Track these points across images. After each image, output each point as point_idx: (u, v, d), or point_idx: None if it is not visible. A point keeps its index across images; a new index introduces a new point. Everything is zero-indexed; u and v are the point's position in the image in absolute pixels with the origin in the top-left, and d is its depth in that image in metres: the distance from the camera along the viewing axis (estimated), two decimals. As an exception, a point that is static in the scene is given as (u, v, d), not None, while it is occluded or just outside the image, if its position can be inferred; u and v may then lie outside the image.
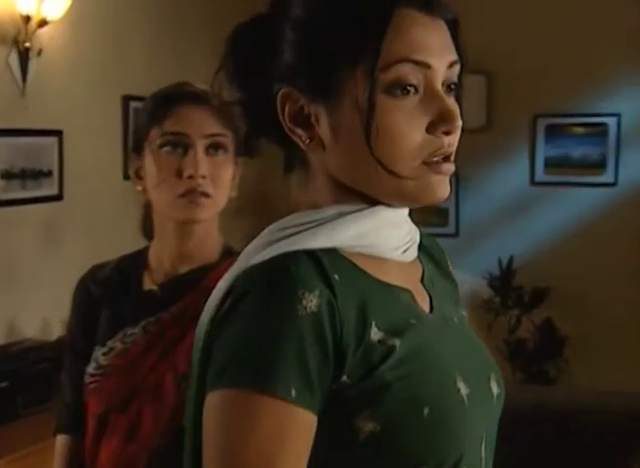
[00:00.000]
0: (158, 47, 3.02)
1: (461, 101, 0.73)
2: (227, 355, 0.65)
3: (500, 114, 3.26)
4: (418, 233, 0.79)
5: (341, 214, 0.72)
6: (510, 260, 3.20)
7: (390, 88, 0.68)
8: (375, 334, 0.67)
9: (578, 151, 3.21)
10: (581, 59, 3.14)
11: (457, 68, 0.72)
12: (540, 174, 3.27)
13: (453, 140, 0.70)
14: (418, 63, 0.68)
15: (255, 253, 0.70)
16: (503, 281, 3.20)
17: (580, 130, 3.20)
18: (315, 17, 0.71)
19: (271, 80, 0.73)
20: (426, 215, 3.05)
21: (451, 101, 0.70)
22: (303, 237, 0.70)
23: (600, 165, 3.19)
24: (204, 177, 1.11)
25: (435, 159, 0.69)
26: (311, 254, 0.68)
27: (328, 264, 0.68)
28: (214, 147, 1.12)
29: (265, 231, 0.73)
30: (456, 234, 3.32)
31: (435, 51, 0.70)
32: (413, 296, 0.75)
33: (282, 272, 0.66)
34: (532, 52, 3.16)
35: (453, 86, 0.72)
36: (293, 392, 0.63)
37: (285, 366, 0.63)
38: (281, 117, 0.72)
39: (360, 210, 0.72)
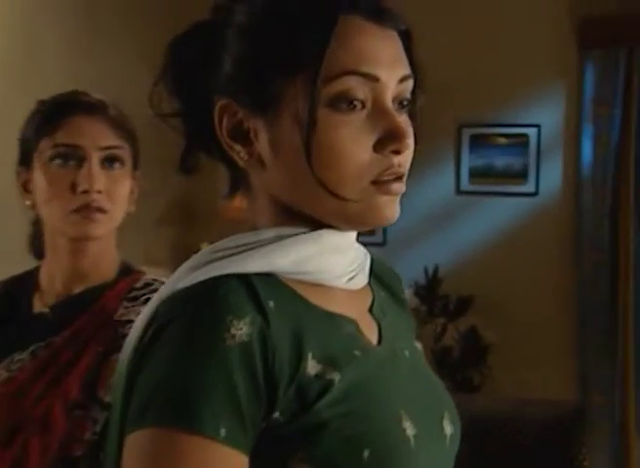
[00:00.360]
0: (74, 49, 2.89)
1: (417, 119, 0.69)
2: (150, 391, 0.59)
3: (425, 124, 3.28)
4: (368, 258, 0.74)
5: (281, 238, 0.67)
6: (436, 269, 3.22)
7: (334, 102, 0.64)
8: (311, 367, 0.62)
9: (501, 161, 3.27)
10: (504, 71, 3.20)
11: (409, 83, 0.67)
12: (465, 183, 3.31)
13: (403, 160, 0.66)
14: (365, 76, 0.64)
15: (183, 277, 0.65)
16: (429, 290, 3.21)
17: (503, 140, 3.26)
18: (256, 23, 0.67)
19: (211, 92, 0.68)
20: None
21: (402, 118, 0.66)
22: (237, 260, 0.65)
23: (522, 175, 3.25)
24: (100, 192, 1.05)
25: (384, 179, 0.65)
26: (244, 279, 0.63)
27: (262, 290, 0.63)
28: (110, 160, 1.07)
29: (198, 253, 0.68)
30: (383, 243, 3.32)
31: (384, 63, 0.65)
32: (358, 327, 0.70)
33: (208, 297, 0.61)
34: (455, 63, 3.20)
35: (405, 102, 0.67)
36: (222, 431, 0.57)
37: (213, 401, 0.58)
38: (218, 131, 0.68)
39: (301, 233, 0.67)
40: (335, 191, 0.64)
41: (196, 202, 3.32)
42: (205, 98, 0.69)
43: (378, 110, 0.65)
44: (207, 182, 3.52)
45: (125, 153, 1.09)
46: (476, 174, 3.28)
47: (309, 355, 0.62)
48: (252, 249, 0.66)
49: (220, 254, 0.66)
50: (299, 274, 0.67)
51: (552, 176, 3.23)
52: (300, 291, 0.67)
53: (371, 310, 0.73)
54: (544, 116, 3.21)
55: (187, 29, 0.71)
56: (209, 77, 0.69)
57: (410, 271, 3.29)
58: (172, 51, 0.71)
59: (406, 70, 0.67)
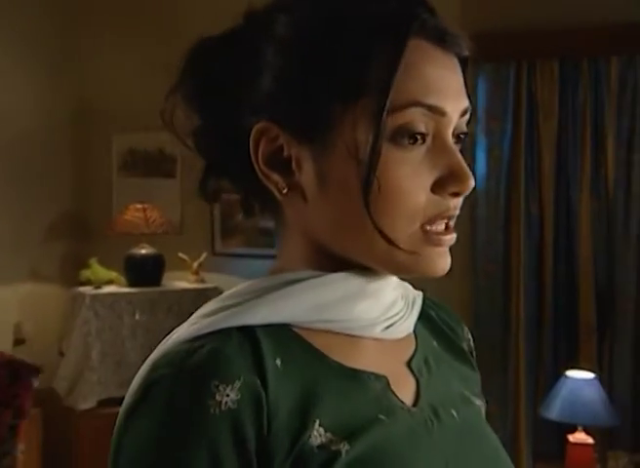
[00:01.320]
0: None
1: (466, 156, 0.62)
2: (129, 462, 0.53)
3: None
4: (418, 301, 0.68)
5: (297, 281, 0.60)
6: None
7: (396, 135, 0.56)
8: (316, 437, 0.54)
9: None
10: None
11: (468, 116, 0.62)
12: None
13: (459, 203, 0.60)
14: (431, 109, 0.57)
15: (188, 326, 0.59)
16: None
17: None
18: (309, 39, 0.58)
19: (243, 109, 0.60)
20: (253, 236, 3.21)
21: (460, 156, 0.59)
22: (241, 310, 0.58)
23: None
24: None
25: (435, 227, 0.59)
26: (248, 333, 0.57)
27: (268, 345, 0.57)
28: None
29: (214, 299, 0.62)
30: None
31: (451, 94, 0.58)
32: (388, 384, 0.62)
33: (195, 358, 0.54)
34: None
35: (462, 136, 0.61)
36: None
37: None
38: (253, 157, 0.59)
39: (319, 276, 0.60)
40: (389, 234, 0.57)
41: (87, 216, 3.56)
42: (233, 115, 0.60)
43: (439, 146, 0.58)
44: (98, 196, 3.79)
45: None
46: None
47: (316, 422, 0.55)
48: (260, 296, 0.59)
49: (230, 302, 0.59)
50: (318, 323, 0.59)
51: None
52: (320, 343, 0.60)
53: (409, 363, 0.66)
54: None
55: (217, 36, 0.63)
56: (242, 94, 0.60)
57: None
58: (195, 59, 0.62)
59: (467, 102, 0.61)
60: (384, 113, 0.55)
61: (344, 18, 0.57)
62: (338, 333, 0.60)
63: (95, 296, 2.98)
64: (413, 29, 0.57)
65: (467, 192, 0.59)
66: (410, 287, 0.70)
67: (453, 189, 0.58)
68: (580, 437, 2.45)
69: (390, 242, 0.58)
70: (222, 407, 0.52)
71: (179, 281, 3.31)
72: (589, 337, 3.05)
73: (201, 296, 3.00)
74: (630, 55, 2.97)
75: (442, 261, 0.60)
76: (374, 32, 0.56)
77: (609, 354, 3.04)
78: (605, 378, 3.02)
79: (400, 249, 0.58)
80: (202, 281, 3.29)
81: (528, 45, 3.07)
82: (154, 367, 0.56)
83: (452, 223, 0.61)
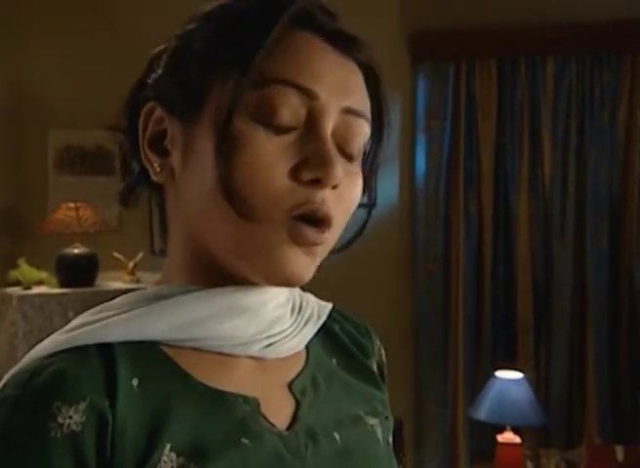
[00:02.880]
0: None
1: (373, 179, 0.61)
2: None
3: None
4: (322, 316, 0.66)
5: (163, 297, 0.58)
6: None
7: (259, 113, 0.54)
8: (166, 462, 0.52)
9: (339, 172, 3.35)
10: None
11: (359, 124, 0.58)
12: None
13: (323, 195, 0.55)
14: (300, 89, 0.55)
15: (47, 342, 0.57)
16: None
17: (342, 151, 3.35)
18: (196, 23, 0.59)
19: (143, 93, 0.61)
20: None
21: (333, 150, 0.55)
22: (102, 326, 0.56)
23: (360, 185, 3.33)
24: None
25: (297, 213, 0.55)
26: (106, 351, 0.55)
27: (127, 364, 0.55)
28: None
29: (87, 311, 0.60)
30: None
31: (328, 82, 0.56)
32: (258, 407, 0.59)
33: (41, 378, 0.53)
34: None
35: (354, 149, 0.57)
36: None
37: None
38: (140, 139, 0.59)
39: (186, 292, 0.58)
40: (246, 218, 0.54)
41: (21, 214, 3.49)
42: (138, 103, 0.61)
43: (309, 133, 0.55)
44: (33, 194, 3.70)
45: None
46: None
47: (167, 446, 0.53)
48: (124, 312, 0.57)
49: (94, 317, 0.58)
50: (185, 341, 0.57)
51: (389, 187, 3.32)
52: (187, 363, 0.57)
53: (291, 384, 0.63)
54: (381, 128, 3.29)
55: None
56: (145, 79, 0.62)
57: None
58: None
59: (355, 104, 0.57)
60: (243, 83, 0.54)
61: (233, 5, 0.59)
62: (209, 352, 0.58)
63: (22, 297, 2.92)
64: (289, 12, 0.56)
65: (329, 181, 0.55)
66: (313, 299, 0.68)
67: (308, 175, 0.54)
68: (508, 437, 2.48)
69: (243, 215, 0.54)
70: (65, 429, 0.51)
71: (114, 281, 3.26)
72: (526, 337, 3.10)
73: (136, 297, 2.93)
74: (565, 55, 3.01)
75: (294, 264, 0.56)
76: (247, 13, 0.57)
77: (545, 353, 3.08)
78: (541, 377, 3.06)
79: (262, 229, 0.55)
80: (138, 281, 3.25)
81: (466, 44, 3.10)
82: (3, 386, 0.55)
83: (321, 221, 0.56)
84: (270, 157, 0.54)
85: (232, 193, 0.54)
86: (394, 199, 3.32)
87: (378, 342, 0.75)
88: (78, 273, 3.07)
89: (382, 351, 0.75)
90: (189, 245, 0.60)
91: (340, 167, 0.55)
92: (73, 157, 3.58)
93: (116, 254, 3.24)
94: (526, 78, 3.07)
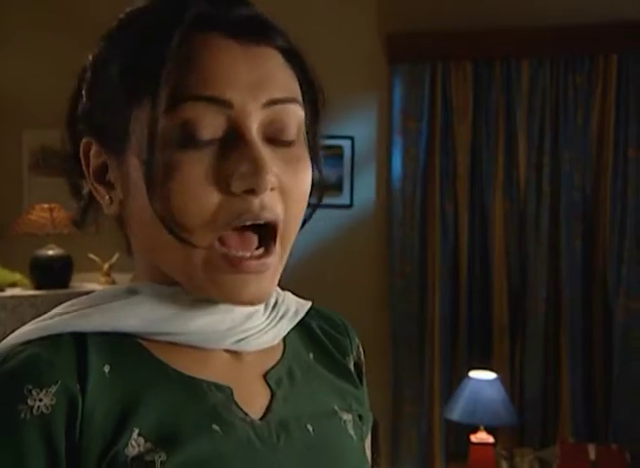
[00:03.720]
0: None
1: (316, 154, 0.60)
2: None
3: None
4: (300, 312, 0.67)
5: (137, 292, 0.61)
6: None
7: (178, 135, 0.54)
8: (133, 447, 0.54)
9: (316, 173, 3.36)
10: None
11: (287, 109, 0.57)
12: (284, 194, 3.41)
13: (262, 203, 0.55)
14: (212, 101, 0.54)
15: (24, 330, 0.59)
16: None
17: (319, 152, 3.36)
18: (105, 46, 0.60)
19: (78, 127, 0.62)
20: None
21: (263, 151, 0.55)
22: (75, 317, 0.59)
23: (337, 186, 3.36)
24: None
25: (233, 251, 0.56)
26: (80, 340, 0.57)
27: (100, 352, 0.57)
28: None
29: (63, 304, 0.62)
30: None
31: (240, 85, 0.55)
32: (232, 395, 0.61)
33: (13, 362, 0.55)
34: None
35: (287, 133, 0.57)
36: None
37: None
38: (86, 173, 0.61)
39: (160, 288, 0.60)
40: (189, 244, 0.55)
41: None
42: (76, 137, 0.62)
43: (233, 141, 0.55)
44: (8, 195, 3.67)
45: None
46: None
47: (135, 431, 0.55)
48: (98, 304, 0.60)
49: (70, 309, 0.60)
50: (158, 335, 0.59)
51: (366, 189, 3.34)
52: (164, 354, 0.60)
53: (266, 375, 0.65)
54: (358, 129, 3.32)
55: None
56: (74, 111, 0.62)
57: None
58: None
59: (276, 93, 0.57)
60: (156, 111, 0.54)
61: (132, 22, 0.59)
62: (184, 346, 0.60)
63: (-5, 300, 2.91)
64: (181, 30, 0.55)
65: (262, 189, 0.55)
66: (291, 296, 0.69)
67: (240, 186, 0.54)
68: (481, 437, 2.51)
69: (185, 242, 0.55)
70: (34, 411, 0.53)
71: (89, 282, 3.26)
72: (502, 337, 3.13)
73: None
74: (540, 58, 3.04)
75: (245, 291, 0.57)
76: (148, 31, 0.56)
77: (520, 353, 3.11)
78: (516, 377, 3.10)
79: (196, 264, 0.56)
80: (113, 282, 3.24)
81: (442, 46, 3.13)
82: None
83: (266, 227, 0.57)
84: (199, 177, 0.54)
85: (169, 221, 0.55)
86: (371, 200, 3.35)
87: (356, 341, 0.76)
88: (52, 275, 3.06)
89: (361, 350, 0.76)
90: (153, 269, 0.61)
91: (271, 174, 0.55)
92: (48, 158, 3.57)
93: (91, 256, 3.24)
94: (501, 80, 3.10)
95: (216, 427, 0.57)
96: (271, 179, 0.55)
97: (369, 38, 3.24)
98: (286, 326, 0.66)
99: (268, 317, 0.65)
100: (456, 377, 3.13)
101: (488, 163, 3.15)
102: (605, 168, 3.03)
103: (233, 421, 0.59)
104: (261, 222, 0.57)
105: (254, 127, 0.56)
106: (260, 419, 0.61)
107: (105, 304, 0.60)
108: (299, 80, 0.61)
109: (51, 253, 3.12)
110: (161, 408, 0.56)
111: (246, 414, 0.60)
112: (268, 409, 0.62)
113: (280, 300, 0.67)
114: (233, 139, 0.55)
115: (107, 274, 3.24)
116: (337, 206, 3.38)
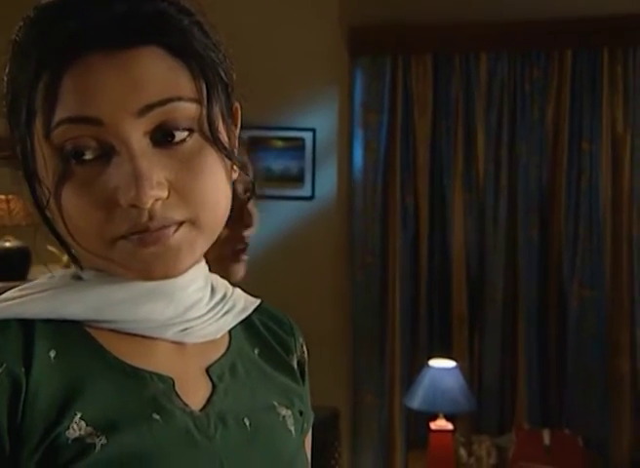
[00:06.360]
0: None
1: (220, 142, 0.60)
2: None
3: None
4: (249, 308, 0.71)
5: (82, 280, 0.63)
6: (212, 270, 3.38)
7: (62, 157, 0.57)
8: (74, 430, 0.57)
9: (278, 165, 3.43)
10: (279, 75, 3.38)
11: (171, 108, 0.57)
12: (245, 186, 3.47)
13: (159, 206, 0.57)
14: (81, 122, 0.56)
15: None
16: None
17: (280, 143, 3.43)
18: (9, 71, 0.61)
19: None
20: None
21: (144, 162, 0.56)
22: (21, 303, 0.61)
23: (299, 178, 3.42)
24: None
25: (132, 235, 0.58)
26: (27, 325, 0.60)
27: (46, 338, 0.59)
28: None
29: (11, 290, 0.64)
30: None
31: (105, 99, 0.56)
32: (173, 386, 0.63)
33: None
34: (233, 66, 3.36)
35: (179, 133, 0.57)
36: None
37: None
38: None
39: (104, 276, 0.62)
40: (91, 253, 0.60)
41: None
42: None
43: (112, 158, 0.57)
44: None
45: None
46: (255, 177, 3.44)
47: (77, 415, 0.57)
48: (44, 291, 0.62)
49: (17, 294, 0.62)
50: (102, 323, 0.62)
51: (327, 181, 3.42)
52: (107, 342, 0.62)
53: (209, 368, 0.67)
54: (319, 121, 3.40)
55: None
56: None
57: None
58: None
59: (150, 97, 0.56)
60: (38, 138, 0.58)
61: (13, 47, 0.61)
62: (128, 334, 0.63)
63: (-48, 292, 2.90)
64: (50, 60, 0.56)
65: (144, 203, 0.56)
66: (240, 293, 0.72)
67: (124, 202, 0.56)
68: (440, 424, 2.60)
69: (90, 253, 0.60)
70: None
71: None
72: (461, 328, 3.24)
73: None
74: (498, 52, 3.15)
75: (156, 263, 0.59)
76: (19, 61, 0.59)
77: (478, 343, 3.22)
78: (475, 366, 3.21)
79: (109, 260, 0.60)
80: (72, 275, 3.26)
81: (403, 39, 3.22)
82: None
83: (159, 238, 0.58)
84: (87, 198, 0.57)
85: (72, 242, 0.60)
86: (332, 192, 3.42)
87: (301, 340, 0.80)
88: (10, 267, 3.06)
89: (305, 349, 0.79)
90: (91, 257, 0.64)
91: (154, 185, 0.56)
92: (6, 148, 3.55)
93: (50, 248, 3.25)
94: (460, 74, 3.21)
95: (156, 416, 0.60)
96: (152, 192, 0.56)
97: (330, 31, 3.31)
98: (231, 321, 0.69)
99: (212, 310, 0.67)
100: (416, 367, 3.22)
101: (448, 155, 3.25)
102: (560, 160, 3.15)
103: (174, 411, 0.62)
104: (153, 231, 0.58)
105: (132, 138, 0.57)
106: (200, 411, 0.64)
107: (51, 291, 0.62)
108: (197, 70, 0.60)
109: (8, 244, 3.13)
110: (103, 395, 0.59)
111: (186, 405, 0.63)
112: (209, 401, 0.65)
113: (228, 295, 0.70)
114: (113, 155, 0.57)
115: (67, 266, 3.25)
116: (298, 197, 3.45)
